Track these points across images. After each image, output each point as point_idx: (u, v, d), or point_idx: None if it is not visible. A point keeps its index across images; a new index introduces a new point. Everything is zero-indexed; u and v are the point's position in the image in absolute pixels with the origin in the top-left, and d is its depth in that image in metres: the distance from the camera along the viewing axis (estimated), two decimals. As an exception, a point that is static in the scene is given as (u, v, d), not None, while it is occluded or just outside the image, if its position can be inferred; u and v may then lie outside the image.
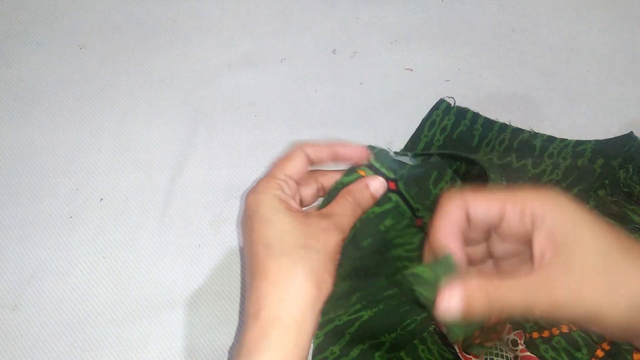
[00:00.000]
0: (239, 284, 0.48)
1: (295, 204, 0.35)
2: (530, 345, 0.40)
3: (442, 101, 0.54)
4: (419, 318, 0.42)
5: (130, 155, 0.53)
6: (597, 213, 0.44)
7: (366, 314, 0.41)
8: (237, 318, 0.46)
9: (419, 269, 0.31)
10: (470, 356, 0.41)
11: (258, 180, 0.36)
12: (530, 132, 0.52)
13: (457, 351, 0.42)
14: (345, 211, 0.35)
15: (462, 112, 0.53)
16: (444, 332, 0.42)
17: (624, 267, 0.28)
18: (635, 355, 0.38)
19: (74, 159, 0.53)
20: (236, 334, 0.46)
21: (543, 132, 0.52)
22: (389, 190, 0.37)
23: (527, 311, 0.28)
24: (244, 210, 0.35)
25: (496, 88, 0.56)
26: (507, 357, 0.40)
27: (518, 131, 0.52)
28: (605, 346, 0.38)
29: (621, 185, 0.47)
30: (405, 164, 0.39)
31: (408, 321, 0.42)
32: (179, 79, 0.57)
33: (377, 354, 0.40)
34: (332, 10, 0.61)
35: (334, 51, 0.59)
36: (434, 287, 0.29)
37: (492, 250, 0.33)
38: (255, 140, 0.54)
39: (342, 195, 0.36)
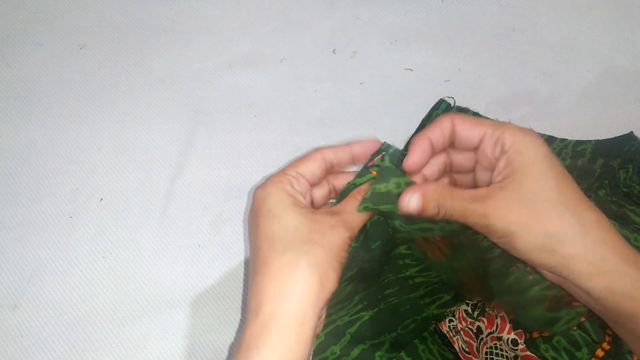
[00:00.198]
0: (240, 283, 0.48)
1: (303, 200, 0.35)
2: (530, 344, 0.40)
3: (442, 101, 0.54)
4: (419, 318, 0.42)
5: (130, 155, 0.53)
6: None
7: (367, 314, 0.41)
8: (237, 318, 0.46)
9: (373, 187, 0.34)
10: (470, 356, 0.41)
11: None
12: (530, 132, 0.52)
13: (457, 351, 0.42)
14: (354, 209, 0.35)
15: (462, 112, 0.53)
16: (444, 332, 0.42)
17: (585, 206, 0.31)
18: (636, 357, 0.38)
19: (74, 159, 0.53)
20: (236, 333, 0.46)
21: (543, 132, 0.52)
22: None
23: (462, 219, 0.32)
24: (251, 205, 0.35)
25: (496, 88, 0.56)
26: (507, 356, 0.40)
27: (518, 131, 0.52)
28: (606, 346, 0.38)
29: (621, 185, 0.47)
30: None
31: (408, 321, 0.42)
32: (179, 79, 0.57)
33: (377, 354, 0.40)
34: (332, 10, 0.61)
35: (334, 51, 0.59)
36: (392, 196, 0.34)
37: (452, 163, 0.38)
38: (255, 140, 0.54)
39: (352, 194, 0.36)
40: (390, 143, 0.36)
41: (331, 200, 0.38)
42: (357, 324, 0.41)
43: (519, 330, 0.40)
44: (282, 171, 0.35)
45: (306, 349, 0.31)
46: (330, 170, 0.37)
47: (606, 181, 0.46)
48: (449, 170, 0.38)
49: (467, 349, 0.41)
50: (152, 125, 0.55)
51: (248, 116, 0.55)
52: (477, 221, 0.32)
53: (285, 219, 0.33)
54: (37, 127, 0.55)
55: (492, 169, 0.34)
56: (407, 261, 0.41)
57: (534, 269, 0.38)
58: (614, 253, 0.31)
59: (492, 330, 0.41)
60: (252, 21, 0.61)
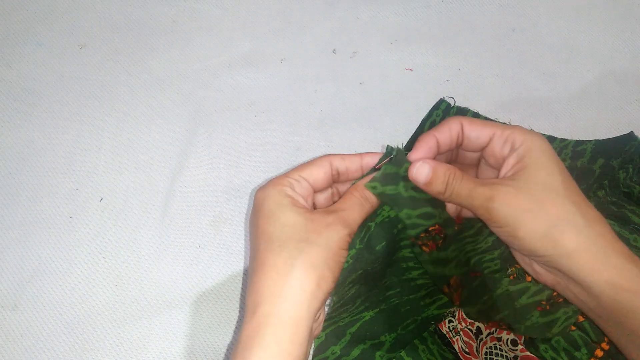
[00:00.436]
0: (239, 284, 0.48)
1: (303, 202, 0.35)
2: (529, 344, 0.40)
3: (442, 101, 0.54)
4: (419, 318, 0.42)
5: (130, 155, 0.53)
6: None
7: (368, 315, 0.41)
8: (237, 318, 0.46)
9: (384, 167, 0.36)
10: (469, 356, 0.41)
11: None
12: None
13: (457, 351, 0.42)
14: (352, 206, 0.35)
15: (462, 112, 0.53)
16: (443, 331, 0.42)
17: (586, 204, 0.33)
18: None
19: (74, 159, 0.53)
20: (234, 333, 0.46)
21: (543, 132, 0.52)
22: None
23: (468, 201, 0.34)
24: (252, 206, 0.35)
25: (496, 88, 0.56)
26: (506, 357, 0.40)
27: (518, 131, 0.52)
28: (605, 346, 0.38)
29: (621, 185, 0.47)
30: None
31: (408, 321, 0.42)
32: (179, 79, 0.57)
33: (377, 354, 0.40)
34: (332, 10, 0.61)
35: (334, 51, 0.59)
36: (399, 178, 0.35)
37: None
38: (255, 140, 0.54)
39: (349, 191, 0.36)
40: (400, 147, 0.37)
41: None
42: (358, 324, 0.41)
43: (518, 331, 0.40)
44: (285, 174, 0.36)
45: (302, 349, 0.31)
46: (337, 179, 0.37)
47: (606, 181, 0.46)
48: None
49: (466, 349, 0.41)
50: (152, 125, 0.55)
51: (248, 116, 0.55)
52: (482, 204, 0.33)
53: (283, 219, 0.33)
54: (37, 127, 0.55)
55: (498, 166, 0.36)
56: (411, 264, 0.41)
57: (519, 274, 0.39)
58: (614, 248, 0.32)
59: (491, 331, 0.41)
60: (252, 21, 0.61)
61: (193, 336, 0.46)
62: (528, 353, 0.39)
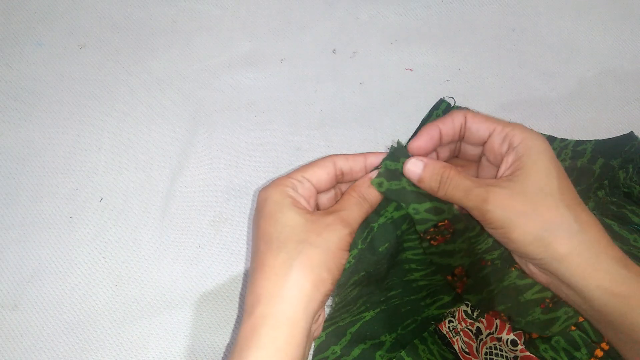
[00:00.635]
0: (239, 284, 0.48)
1: (305, 203, 0.35)
2: (529, 345, 0.40)
3: (442, 101, 0.54)
4: (419, 318, 0.42)
5: (130, 155, 0.53)
6: (597, 214, 0.44)
7: (368, 315, 0.41)
8: (236, 318, 0.46)
9: (385, 162, 0.36)
10: (469, 356, 0.41)
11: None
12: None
13: (457, 351, 0.42)
14: (351, 206, 0.35)
15: (462, 112, 0.53)
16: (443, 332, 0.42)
17: (581, 208, 0.32)
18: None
19: (74, 159, 0.53)
20: (232, 333, 0.46)
21: (543, 132, 0.52)
22: None
23: (463, 201, 0.34)
24: (255, 206, 0.35)
25: (496, 88, 0.56)
26: (506, 357, 0.40)
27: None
28: (605, 346, 0.38)
29: (621, 185, 0.47)
30: None
31: (408, 321, 0.42)
32: (179, 79, 0.57)
33: (377, 354, 0.40)
34: (332, 10, 0.61)
35: (334, 51, 0.59)
36: (400, 174, 0.36)
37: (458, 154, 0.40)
38: (255, 140, 0.54)
39: (347, 192, 0.36)
40: (401, 142, 0.37)
41: None
42: (358, 324, 0.41)
43: (518, 331, 0.40)
44: (288, 175, 0.36)
45: (299, 350, 0.31)
46: (341, 179, 0.37)
47: (606, 181, 0.46)
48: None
49: (466, 350, 0.41)
50: (152, 125, 0.55)
51: (248, 116, 0.55)
52: (477, 205, 0.33)
53: (283, 220, 0.33)
54: (37, 127, 0.55)
55: (497, 163, 0.36)
56: (413, 266, 0.41)
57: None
58: (607, 254, 0.32)
59: (491, 331, 0.41)
60: (252, 21, 0.61)
61: (193, 336, 0.46)
62: (528, 353, 0.39)
